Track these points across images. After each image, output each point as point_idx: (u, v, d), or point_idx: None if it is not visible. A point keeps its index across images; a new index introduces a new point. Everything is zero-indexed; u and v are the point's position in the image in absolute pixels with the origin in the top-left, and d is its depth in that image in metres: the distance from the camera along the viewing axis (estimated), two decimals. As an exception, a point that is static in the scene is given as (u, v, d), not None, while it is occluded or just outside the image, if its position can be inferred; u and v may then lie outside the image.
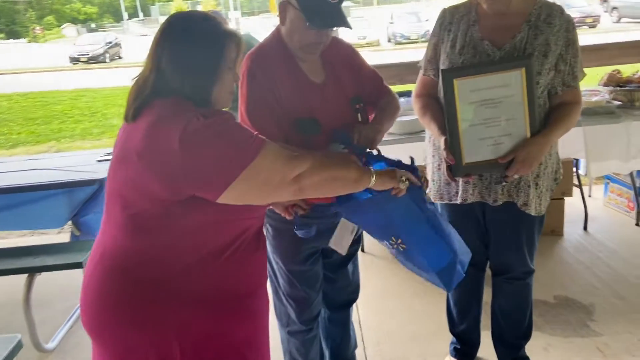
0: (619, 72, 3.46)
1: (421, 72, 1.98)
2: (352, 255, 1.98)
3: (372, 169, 1.42)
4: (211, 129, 1.17)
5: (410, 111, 2.57)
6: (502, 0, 1.74)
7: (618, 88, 3.27)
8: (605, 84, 3.35)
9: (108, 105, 11.44)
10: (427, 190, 2.05)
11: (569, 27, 1.76)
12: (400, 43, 19.23)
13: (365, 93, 1.79)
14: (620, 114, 3.08)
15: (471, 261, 2.06)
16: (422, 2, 22.09)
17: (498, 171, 1.78)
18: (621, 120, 3.02)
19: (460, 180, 1.87)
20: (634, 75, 3.40)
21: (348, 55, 1.81)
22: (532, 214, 1.87)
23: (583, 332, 2.44)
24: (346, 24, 1.60)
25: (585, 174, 3.50)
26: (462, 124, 1.73)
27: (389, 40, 20.13)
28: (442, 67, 1.85)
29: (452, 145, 1.76)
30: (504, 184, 1.82)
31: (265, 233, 1.84)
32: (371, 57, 17.03)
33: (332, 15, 1.57)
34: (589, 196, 3.91)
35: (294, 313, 1.89)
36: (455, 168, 1.78)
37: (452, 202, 1.95)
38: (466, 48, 1.80)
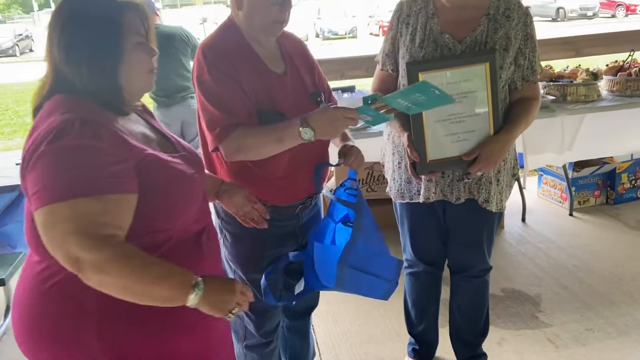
0: (551, 67, 3.59)
1: (378, 67, 1.91)
2: None
3: (198, 289, 1.08)
4: (57, 148, 1.02)
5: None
6: None
7: (551, 83, 3.38)
8: (539, 79, 3.45)
9: (19, 102, 10.60)
10: (387, 190, 1.99)
11: (527, 20, 1.75)
12: (328, 38, 19.30)
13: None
14: (554, 108, 3.18)
15: (429, 261, 2.04)
16: (348, -3, 22.30)
17: (461, 168, 1.75)
18: (556, 115, 3.12)
19: (423, 178, 1.82)
20: (564, 70, 3.54)
21: (304, 51, 1.74)
22: (493, 210, 1.85)
23: (533, 324, 2.49)
24: None
25: (522, 167, 3.60)
26: (426, 120, 1.68)
27: (317, 36, 20.15)
28: (402, 60, 1.79)
29: (417, 142, 1.70)
30: (466, 180, 1.79)
31: (222, 240, 1.71)
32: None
33: None
34: (524, 188, 4.02)
35: (252, 325, 1.76)
36: (419, 165, 1.73)
37: (413, 201, 1.89)
38: (427, 41, 1.74)
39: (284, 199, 1.66)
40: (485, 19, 1.73)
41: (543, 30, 15.63)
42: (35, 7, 38.03)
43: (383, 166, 2.06)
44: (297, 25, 19.61)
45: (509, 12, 1.73)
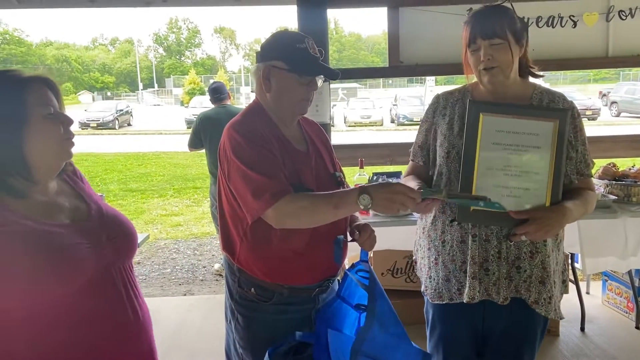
0: (614, 165, 3.38)
1: (410, 158, 1.86)
2: None
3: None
4: None
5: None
6: (500, 76, 1.62)
7: (614, 182, 3.16)
8: (601, 177, 3.25)
9: (108, 170, 11.49)
10: (423, 289, 1.83)
11: (574, 113, 1.66)
12: (402, 124, 19.57)
13: None
14: (616, 209, 2.96)
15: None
16: (426, 86, 22.73)
17: (506, 226, 1.59)
18: (618, 216, 2.90)
19: (468, 275, 1.65)
20: (629, 169, 3.31)
21: (324, 135, 1.80)
22: (542, 313, 1.65)
23: None
24: (333, 73, 1.63)
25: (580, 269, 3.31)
26: (479, 165, 1.56)
27: (392, 121, 20.53)
28: (440, 149, 1.72)
29: (463, 187, 1.57)
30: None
31: (234, 324, 1.67)
32: (372, 136, 17.03)
33: (318, 65, 1.61)
34: (587, 293, 3.70)
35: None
36: (460, 212, 1.60)
37: (453, 302, 1.71)
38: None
39: (303, 278, 1.62)
40: None
41: (631, 127, 14.98)
42: (140, 86, 42.19)
43: (415, 262, 1.91)
44: (374, 110, 20.31)
45: (554, 104, 1.66)
